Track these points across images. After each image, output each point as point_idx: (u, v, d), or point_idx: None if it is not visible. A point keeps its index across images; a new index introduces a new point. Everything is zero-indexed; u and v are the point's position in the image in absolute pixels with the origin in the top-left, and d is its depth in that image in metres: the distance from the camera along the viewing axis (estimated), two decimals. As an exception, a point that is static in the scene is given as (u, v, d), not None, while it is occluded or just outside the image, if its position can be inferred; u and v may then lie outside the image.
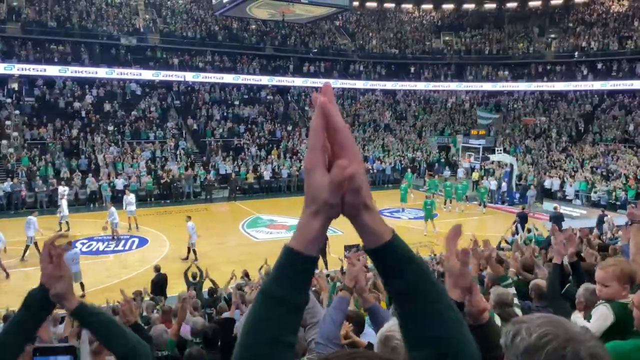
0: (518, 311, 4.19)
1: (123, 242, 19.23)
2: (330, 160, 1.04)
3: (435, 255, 13.21)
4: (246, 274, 12.61)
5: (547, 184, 28.72)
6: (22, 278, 14.66)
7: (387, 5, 48.93)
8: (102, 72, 34.02)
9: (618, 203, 25.33)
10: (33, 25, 33.68)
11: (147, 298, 11.08)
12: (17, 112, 30.50)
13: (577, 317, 3.57)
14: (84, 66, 33.76)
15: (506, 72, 43.26)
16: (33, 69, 32.10)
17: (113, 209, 19.23)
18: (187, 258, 16.88)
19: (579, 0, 43.97)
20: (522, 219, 19.38)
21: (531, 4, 45.54)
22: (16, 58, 32.01)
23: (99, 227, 19.69)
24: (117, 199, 23.89)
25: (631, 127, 34.68)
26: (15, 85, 32.42)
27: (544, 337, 1.23)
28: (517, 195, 27.31)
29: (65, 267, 1.81)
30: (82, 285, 13.57)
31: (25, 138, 28.84)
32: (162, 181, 27.26)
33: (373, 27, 47.80)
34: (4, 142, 28.06)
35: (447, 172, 31.88)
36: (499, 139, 37.06)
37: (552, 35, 43.37)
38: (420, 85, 44.66)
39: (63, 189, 22.76)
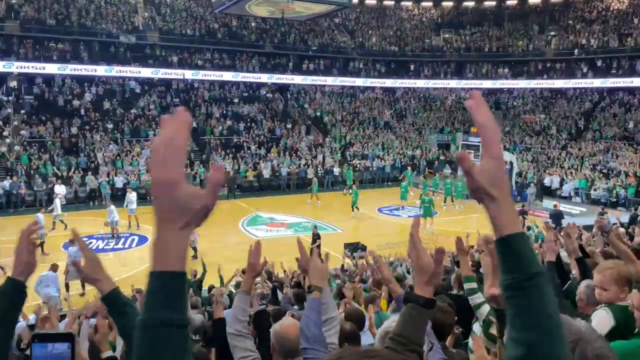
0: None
1: (123, 240, 19.23)
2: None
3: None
4: (244, 272, 12.59)
5: (546, 181, 28.73)
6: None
7: (387, 2, 48.84)
8: (101, 70, 33.97)
9: (618, 200, 25.34)
10: (32, 23, 33.62)
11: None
12: (17, 110, 30.44)
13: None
14: (83, 64, 33.71)
15: (506, 70, 43.23)
16: (32, 67, 32.07)
17: (113, 207, 19.22)
18: (195, 257, 16.85)
19: (579, -2, 43.93)
20: (522, 216, 19.38)
21: (531, 1, 45.46)
22: (15, 56, 31.95)
23: (98, 225, 19.67)
24: (116, 197, 23.89)
25: (631, 125, 34.67)
26: (14, 84, 32.38)
27: None
28: (514, 193, 27.30)
29: (89, 251, 1.96)
30: (82, 282, 13.55)
31: (25, 136, 28.80)
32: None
33: (373, 24, 47.72)
34: (3, 140, 28.03)
35: (447, 170, 31.87)
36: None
37: (552, 33, 43.33)
38: (420, 83, 44.63)
39: (59, 188, 22.78)
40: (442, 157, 35.70)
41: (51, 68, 32.51)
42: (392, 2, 49.15)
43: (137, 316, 1.91)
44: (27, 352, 1.79)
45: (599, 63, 39.09)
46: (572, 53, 40.45)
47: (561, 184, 28.36)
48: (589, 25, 41.46)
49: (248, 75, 38.79)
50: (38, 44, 33.30)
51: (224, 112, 36.00)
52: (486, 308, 4.05)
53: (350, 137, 36.82)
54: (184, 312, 1.00)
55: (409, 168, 31.84)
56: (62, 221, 19.96)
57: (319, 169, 31.43)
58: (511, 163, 28.47)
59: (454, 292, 6.13)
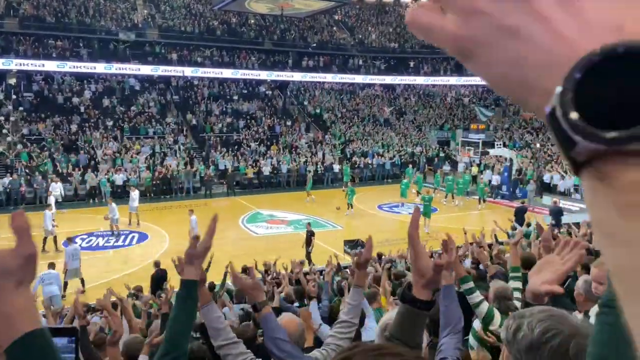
0: (519, 305, 4.19)
1: (123, 237, 19.25)
2: None
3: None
4: (245, 270, 12.61)
5: (546, 178, 28.73)
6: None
7: (386, -1, 48.79)
8: (100, 68, 33.93)
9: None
10: (31, 20, 33.56)
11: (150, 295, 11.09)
12: (16, 107, 30.42)
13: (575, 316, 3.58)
14: (83, 61, 33.67)
15: (506, 67, 43.14)
16: (31, 64, 32.04)
17: (113, 204, 19.24)
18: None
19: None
20: (521, 213, 19.39)
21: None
22: (14, 53, 31.91)
23: (98, 222, 19.69)
24: (116, 195, 23.92)
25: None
26: (13, 81, 32.34)
27: (547, 333, 1.22)
28: (510, 190, 27.27)
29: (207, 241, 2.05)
30: (82, 281, 13.58)
31: (24, 134, 28.79)
32: (160, 176, 27.24)
33: (372, 21, 47.68)
34: (3, 137, 28.03)
35: (446, 167, 31.86)
36: (499, 133, 37.06)
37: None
38: (420, 80, 44.60)
39: (55, 186, 22.84)
40: (441, 154, 35.69)
41: (50, 65, 32.48)
42: (392, -1, 49.08)
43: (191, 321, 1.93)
44: None
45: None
46: (572, 50, 40.38)
47: (562, 181, 28.35)
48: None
49: (247, 73, 38.76)
50: (37, 41, 33.25)
51: (224, 109, 35.99)
52: (485, 306, 4.06)
53: (350, 134, 36.81)
54: None
55: (410, 165, 31.88)
56: (53, 220, 19.66)
57: (318, 167, 31.42)
58: (510, 160, 28.45)
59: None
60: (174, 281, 12.42)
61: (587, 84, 0.37)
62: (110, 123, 31.16)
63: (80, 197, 25.48)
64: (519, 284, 4.62)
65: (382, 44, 45.25)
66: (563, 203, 22.70)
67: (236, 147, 32.32)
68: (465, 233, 11.79)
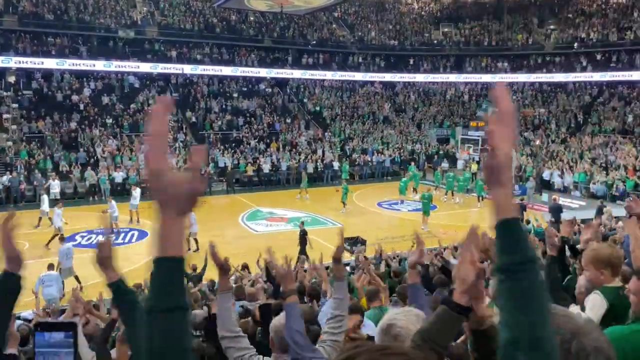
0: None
1: (122, 235, 19.25)
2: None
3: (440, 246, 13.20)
4: (245, 267, 12.62)
5: (545, 175, 28.74)
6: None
7: (386, -4, 48.73)
8: (100, 65, 33.90)
9: (617, 194, 25.35)
10: (30, 17, 33.50)
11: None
12: (15, 105, 30.40)
13: (573, 309, 3.58)
14: (82, 59, 33.63)
15: (505, 64, 43.15)
16: (30, 61, 31.97)
17: (113, 202, 19.24)
18: (188, 249, 16.94)
19: (579, -9, 43.79)
20: (520, 210, 19.39)
21: (530, -6, 45.35)
22: (13, 51, 31.87)
23: (98, 220, 19.64)
24: (115, 192, 23.92)
25: (630, 119, 34.65)
26: (12, 79, 32.30)
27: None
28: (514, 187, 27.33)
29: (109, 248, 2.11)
30: (77, 278, 13.55)
31: (24, 131, 28.77)
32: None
33: (372, 18, 47.60)
34: (3, 135, 28.01)
35: (445, 165, 31.85)
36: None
37: (552, 26, 43.22)
38: (420, 77, 44.55)
39: (54, 183, 22.88)
40: (441, 152, 35.70)
41: (50, 63, 32.43)
42: (392, -4, 49.01)
43: (138, 304, 1.93)
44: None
45: (599, 57, 39.01)
46: (571, 47, 40.36)
47: (562, 178, 28.38)
48: (589, 19, 41.35)
49: (247, 70, 38.71)
50: (36, 38, 33.20)
51: (223, 106, 35.96)
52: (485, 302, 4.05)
53: (350, 132, 36.80)
54: (183, 296, 1.05)
55: (413, 163, 31.96)
56: (49, 218, 19.50)
57: (318, 164, 31.43)
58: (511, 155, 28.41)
59: (454, 286, 6.14)
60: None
61: None
62: (109, 121, 31.14)
63: (80, 195, 25.48)
64: None
65: (382, 41, 45.18)
66: (562, 200, 22.71)
67: (236, 144, 32.31)
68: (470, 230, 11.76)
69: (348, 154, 33.70)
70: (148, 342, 1.01)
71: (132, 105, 33.13)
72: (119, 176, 26.05)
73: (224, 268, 3.05)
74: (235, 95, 37.63)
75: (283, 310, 3.05)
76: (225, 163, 29.79)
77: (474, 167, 30.56)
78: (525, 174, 28.71)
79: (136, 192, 20.81)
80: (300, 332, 2.72)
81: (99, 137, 29.57)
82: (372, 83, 43.72)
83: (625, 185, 25.54)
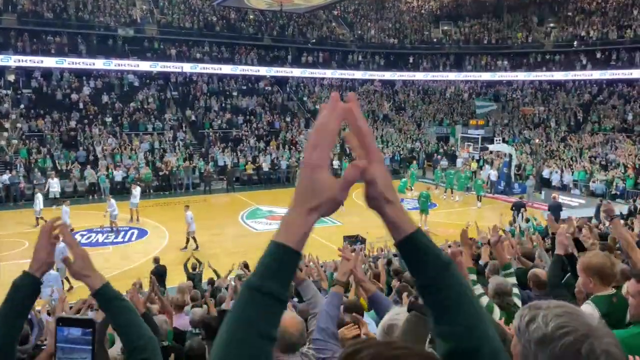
0: (517, 300, 4.20)
1: (122, 233, 19.25)
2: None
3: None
4: (245, 265, 12.62)
5: (545, 173, 28.75)
6: (22, 270, 14.65)
7: (386, -6, 48.67)
8: (99, 64, 33.87)
9: (616, 192, 25.36)
10: (29, 16, 33.46)
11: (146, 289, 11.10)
12: (15, 104, 30.36)
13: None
14: (81, 57, 33.60)
15: (505, 62, 43.13)
16: (30, 60, 31.96)
17: (113, 200, 19.24)
18: (186, 247, 16.97)
19: (578, -11, 43.75)
20: (519, 208, 19.42)
21: (530, -7, 45.30)
22: (13, 50, 31.83)
23: (98, 219, 19.69)
24: (115, 191, 23.93)
25: (630, 117, 34.65)
26: (12, 77, 32.28)
27: (561, 329, 1.21)
28: (507, 185, 27.30)
29: (78, 247, 1.96)
30: (67, 279, 13.50)
31: (23, 130, 28.75)
32: (160, 173, 27.28)
33: (371, 16, 47.54)
34: (2, 134, 28.00)
35: (444, 163, 31.84)
36: (498, 129, 37.04)
37: (551, 25, 43.19)
38: (419, 76, 44.53)
39: (53, 182, 22.93)
40: (441, 150, 35.70)
41: (49, 62, 32.40)
42: (391, -6, 48.96)
43: (134, 314, 1.90)
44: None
45: (598, 55, 38.99)
46: (571, 45, 40.33)
47: (561, 176, 28.40)
48: (588, 17, 41.32)
49: (247, 68, 38.69)
50: (36, 37, 33.16)
51: (223, 105, 35.94)
52: (485, 300, 4.07)
53: (349, 130, 36.71)
54: (287, 289, 1.04)
55: (415, 162, 32.02)
56: (42, 218, 19.49)
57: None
58: (510, 156, 28.47)
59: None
60: (174, 277, 12.46)
61: None
62: (109, 119, 31.12)
63: (80, 194, 25.48)
64: (513, 280, 4.63)
65: (382, 39, 45.14)
66: (562, 198, 22.71)
67: (235, 143, 32.30)
68: (467, 228, 11.77)
69: (347, 152, 33.69)
70: (234, 315, 1.00)
71: (132, 104, 33.11)
72: (118, 175, 26.04)
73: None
74: (234, 93, 37.61)
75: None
76: (225, 161, 29.78)
77: (474, 165, 30.58)
78: (525, 173, 28.72)
79: (136, 190, 20.82)
80: (332, 316, 2.85)
81: (99, 135, 29.55)
82: (371, 81, 43.70)
83: (625, 184, 25.54)
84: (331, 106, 1.08)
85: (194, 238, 17.27)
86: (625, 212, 18.35)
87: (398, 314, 2.40)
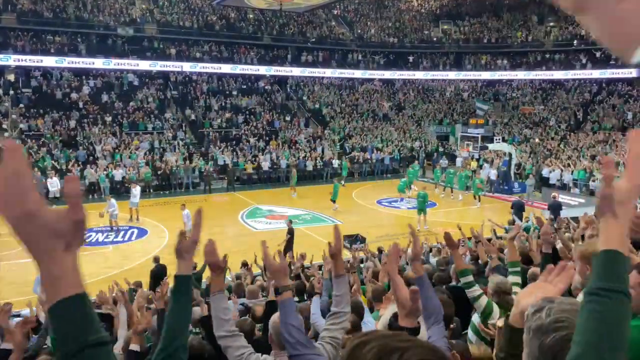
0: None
1: (122, 233, 19.26)
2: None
3: (436, 243, 13.23)
4: (244, 264, 12.64)
5: (545, 172, 28.74)
6: (24, 269, 14.66)
7: (385, -6, 48.63)
8: (99, 63, 33.86)
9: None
10: (29, 15, 33.44)
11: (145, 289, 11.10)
12: (14, 103, 30.35)
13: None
14: (81, 57, 33.59)
15: (505, 61, 43.12)
16: (29, 60, 31.94)
17: (113, 200, 19.24)
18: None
19: (578, -12, 43.69)
20: (519, 207, 19.41)
21: (530, -8, 45.27)
22: (12, 49, 31.82)
23: (98, 218, 19.69)
24: (115, 191, 23.92)
25: (629, 116, 34.66)
26: (11, 77, 32.26)
27: (558, 322, 1.24)
28: (514, 185, 27.32)
29: (198, 231, 2.08)
30: None
31: (23, 130, 28.74)
32: (160, 172, 27.28)
33: (371, 16, 47.56)
34: (2, 134, 27.98)
35: (444, 162, 31.85)
36: (498, 128, 37.03)
37: (551, 24, 43.19)
38: (419, 75, 44.53)
39: (52, 182, 22.94)
40: (440, 149, 35.70)
41: (49, 61, 32.40)
42: (391, -6, 48.93)
43: (189, 314, 1.96)
44: None
45: (598, 54, 38.97)
46: (571, 44, 40.34)
47: (561, 175, 28.38)
48: (588, 16, 41.26)
49: (246, 68, 38.68)
50: (35, 36, 33.15)
51: (223, 104, 35.93)
52: (484, 299, 4.07)
53: (349, 129, 36.79)
54: (97, 331, 0.97)
55: (417, 162, 32.03)
56: None
57: (317, 162, 31.44)
58: (510, 155, 28.46)
59: (453, 283, 6.15)
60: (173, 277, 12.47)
61: None
62: (109, 119, 31.11)
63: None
64: (518, 279, 4.63)
65: (381, 38, 45.14)
66: (562, 198, 22.71)
67: (235, 142, 32.30)
68: (460, 229, 11.77)
69: (347, 151, 33.71)
70: None
71: (132, 103, 33.11)
72: (118, 174, 26.04)
73: (220, 267, 2.95)
74: (234, 93, 37.61)
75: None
76: (224, 161, 29.78)
77: (474, 164, 30.57)
78: (524, 172, 28.71)
79: (136, 190, 20.82)
80: (296, 327, 2.67)
81: (98, 135, 29.55)
82: (371, 80, 43.70)
83: (624, 183, 25.51)
84: (8, 151, 0.93)
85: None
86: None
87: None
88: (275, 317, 3.02)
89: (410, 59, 44.74)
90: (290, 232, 16.02)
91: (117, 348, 5.01)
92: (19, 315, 7.97)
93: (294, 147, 32.75)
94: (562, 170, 28.60)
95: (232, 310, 3.05)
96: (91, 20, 35.23)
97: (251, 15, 41.97)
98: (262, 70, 39.12)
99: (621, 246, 1.17)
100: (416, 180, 27.47)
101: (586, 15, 1.05)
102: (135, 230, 19.70)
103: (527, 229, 13.85)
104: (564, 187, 27.30)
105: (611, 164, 1.21)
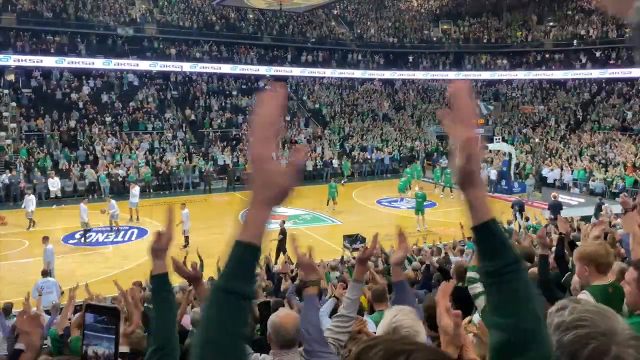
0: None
1: (122, 233, 19.26)
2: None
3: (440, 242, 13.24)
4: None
5: (545, 172, 28.75)
6: (24, 269, 14.68)
7: (385, -7, 48.64)
8: (99, 63, 33.86)
9: (616, 191, 25.36)
10: (29, 15, 33.44)
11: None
12: (14, 103, 30.35)
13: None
14: (81, 57, 33.58)
15: (504, 61, 43.13)
16: (29, 60, 31.93)
17: (113, 201, 19.25)
18: (186, 246, 16.98)
19: (578, -12, 43.75)
20: (519, 207, 19.41)
21: (530, -9, 45.29)
22: (12, 49, 31.81)
23: (98, 218, 19.69)
24: (115, 191, 23.93)
25: (629, 116, 34.66)
26: (11, 77, 32.26)
27: (579, 321, 1.23)
28: (515, 185, 27.31)
29: (171, 229, 2.10)
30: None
31: (23, 130, 28.75)
32: (160, 172, 27.29)
33: (371, 16, 47.56)
34: (2, 134, 28.00)
35: (443, 161, 31.82)
36: (497, 127, 37.04)
37: (551, 24, 43.20)
38: (419, 75, 44.53)
39: (53, 182, 22.95)
40: (440, 149, 35.70)
41: (49, 61, 32.38)
42: (391, -7, 48.93)
43: (174, 312, 1.97)
44: None
45: (598, 54, 39.01)
46: (570, 44, 40.35)
47: (560, 175, 28.40)
48: (588, 16, 41.33)
49: (246, 68, 38.68)
50: (35, 37, 33.15)
51: (223, 104, 35.93)
52: (484, 299, 4.07)
53: (349, 129, 36.79)
54: (252, 285, 1.07)
55: (417, 162, 32.05)
56: (31, 219, 19.46)
57: (317, 162, 31.45)
58: (510, 154, 28.46)
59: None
60: (174, 277, 12.47)
61: None
62: (109, 119, 31.11)
63: (80, 193, 25.47)
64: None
65: (381, 38, 45.14)
66: (561, 197, 22.71)
67: (235, 142, 32.30)
68: (462, 227, 11.76)
69: (348, 151, 33.72)
70: (205, 318, 1.03)
71: (132, 103, 33.11)
72: (118, 174, 26.04)
73: (193, 277, 2.89)
74: (234, 93, 37.61)
75: (282, 306, 3.04)
76: (224, 161, 29.78)
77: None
78: (524, 172, 28.71)
79: (135, 190, 20.83)
80: (314, 324, 2.73)
81: (98, 135, 29.55)
82: (371, 80, 43.69)
83: (624, 182, 25.55)
84: (268, 96, 1.10)
85: (187, 237, 17.29)
86: (621, 210, 18.34)
87: (397, 315, 2.40)
88: (274, 317, 3.03)
89: (410, 58, 44.73)
90: (283, 232, 16.06)
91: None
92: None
93: (294, 147, 32.72)
94: (561, 170, 28.62)
95: None
96: (91, 20, 35.23)
97: (251, 15, 41.98)
98: (262, 70, 39.12)
99: (492, 213, 1.16)
100: (415, 180, 27.49)
101: None
102: (135, 231, 19.70)
103: (527, 229, 13.86)
104: (563, 187, 27.31)
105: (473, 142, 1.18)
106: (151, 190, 26.42)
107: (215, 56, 37.99)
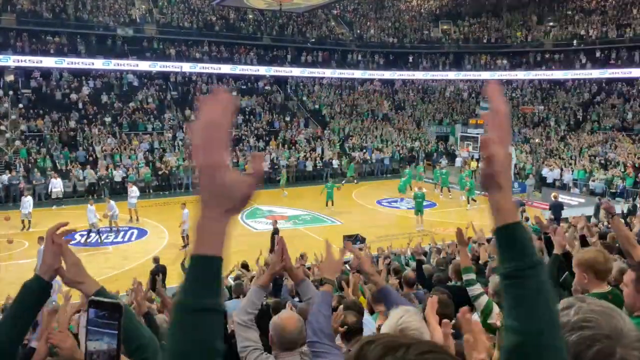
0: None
1: (122, 233, 19.26)
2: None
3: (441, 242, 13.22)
4: (244, 265, 12.63)
5: (545, 172, 28.75)
6: (24, 269, 14.67)
7: (385, -6, 48.63)
8: (98, 64, 33.86)
9: (616, 191, 25.37)
10: (28, 16, 33.44)
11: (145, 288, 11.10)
12: (14, 104, 30.35)
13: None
14: (81, 57, 33.59)
15: (504, 61, 43.13)
16: (29, 60, 31.94)
17: (112, 202, 19.25)
18: (186, 246, 16.99)
19: (578, -12, 43.74)
20: (520, 207, 19.37)
21: (529, -8, 45.28)
22: (12, 50, 31.82)
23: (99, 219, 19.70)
24: (114, 191, 23.92)
25: (629, 116, 34.66)
26: (11, 77, 32.25)
27: (585, 322, 1.22)
28: (515, 185, 27.30)
29: (70, 253, 1.85)
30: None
31: (23, 130, 28.74)
32: (160, 172, 27.29)
33: (371, 16, 47.54)
34: (2, 134, 28.00)
35: (443, 162, 31.85)
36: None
37: (551, 24, 43.19)
38: (419, 75, 44.52)
39: (55, 182, 22.95)
40: (440, 149, 35.71)
41: (48, 62, 32.39)
42: (390, -6, 48.93)
43: (132, 316, 1.91)
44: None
45: (598, 54, 39.00)
46: (570, 44, 40.34)
47: (560, 175, 28.40)
48: (588, 16, 41.33)
49: (246, 68, 38.68)
50: (35, 37, 33.14)
51: (223, 104, 35.86)
52: (484, 299, 4.08)
53: (349, 130, 36.79)
54: (219, 298, 1.01)
55: (418, 163, 32.04)
56: (29, 221, 19.46)
57: (317, 162, 31.44)
58: (509, 155, 28.42)
59: (452, 283, 6.16)
60: (174, 277, 12.46)
61: None
62: (108, 119, 31.11)
63: (80, 194, 25.48)
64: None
65: (381, 38, 45.14)
66: (562, 197, 22.72)
67: (235, 143, 32.27)
68: (467, 228, 11.74)
69: (347, 151, 33.71)
70: (173, 341, 0.97)
71: (131, 104, 33.10)
72: (118, 175, 26.04)
73: (275, 266, 3.24)
74: (234, 93, 37.59)
75: (283, 308, 3.05)
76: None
77: (473, 164, 30.55)
78: (524, 172, 28.71)
79: (133, 189, 20.82)
80: (325, 316, 2.79)
81: (98, 135, 29.55)
82: (371, 81, 43.68)
83: (624, 182, 25.55)
84: (214, 100, 1.07)
85: (186, 236, 17.28)
86: (625, 211, 18.36)
87: (403, 317, 2.40)
88: (276, 318, 3.03)
89: (410, 59, 44.73)
90: (276, 232, 16.13)
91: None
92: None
93: (294, 147, 32.75)
94: (561, 170, 28.62)
95: (257, 307, 3.18)
96: (91, 20, 35.22)
97: (251, 16, 41.98)
98: (262, 70, 39.12)
99: (516, 216, 1.15)
100: (415, 180, 27.49)
101: None
102: (135, 231, 19.71)
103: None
104: (563, 187, 27.30)
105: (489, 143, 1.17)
106: (151, 191, 26.42)
107: (215, 56, 37.99)
